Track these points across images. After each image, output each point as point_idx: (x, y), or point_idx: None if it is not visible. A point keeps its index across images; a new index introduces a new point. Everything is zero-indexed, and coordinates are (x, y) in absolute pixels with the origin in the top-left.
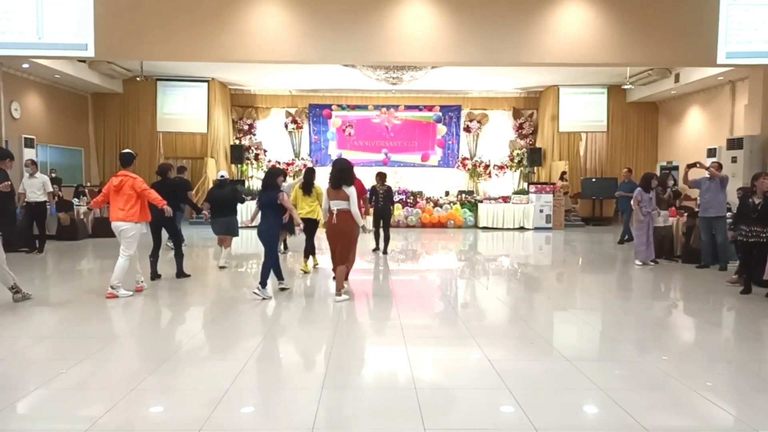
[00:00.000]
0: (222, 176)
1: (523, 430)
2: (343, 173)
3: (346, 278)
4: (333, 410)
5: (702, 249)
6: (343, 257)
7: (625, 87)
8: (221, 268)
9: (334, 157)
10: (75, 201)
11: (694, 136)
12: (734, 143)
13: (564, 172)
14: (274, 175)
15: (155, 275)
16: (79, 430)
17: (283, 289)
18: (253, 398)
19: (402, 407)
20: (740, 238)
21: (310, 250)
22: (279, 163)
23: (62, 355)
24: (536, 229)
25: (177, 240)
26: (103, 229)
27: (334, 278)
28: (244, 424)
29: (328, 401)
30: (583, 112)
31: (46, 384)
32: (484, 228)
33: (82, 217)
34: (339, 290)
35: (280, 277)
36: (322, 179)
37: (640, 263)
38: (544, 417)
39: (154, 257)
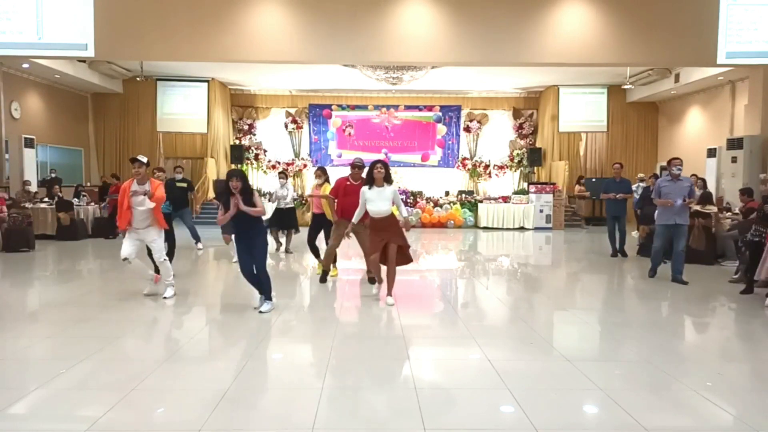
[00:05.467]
0: None
1: (523, 430)
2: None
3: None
4: (333, 410)
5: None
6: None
7: (625, 87)
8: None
9: (333, 157)
10: (75, 201)
11: (694, 136)
12: (734, 143)
13: (581, 177)
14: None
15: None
16: (79, 430)
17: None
18: (253, 398)
19: (402, 407)
20: (749, 237)
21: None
22: (279, 163)
23: (62, 355)
24: (536, 229)
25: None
26: (102, 229)
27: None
28: (244, 424)
29: (328, 401)
30: (583, 112)
31: (46, 384)
32: (484, 228)
33: (82, 216)
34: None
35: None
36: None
37: None
38: (544, 417)
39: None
